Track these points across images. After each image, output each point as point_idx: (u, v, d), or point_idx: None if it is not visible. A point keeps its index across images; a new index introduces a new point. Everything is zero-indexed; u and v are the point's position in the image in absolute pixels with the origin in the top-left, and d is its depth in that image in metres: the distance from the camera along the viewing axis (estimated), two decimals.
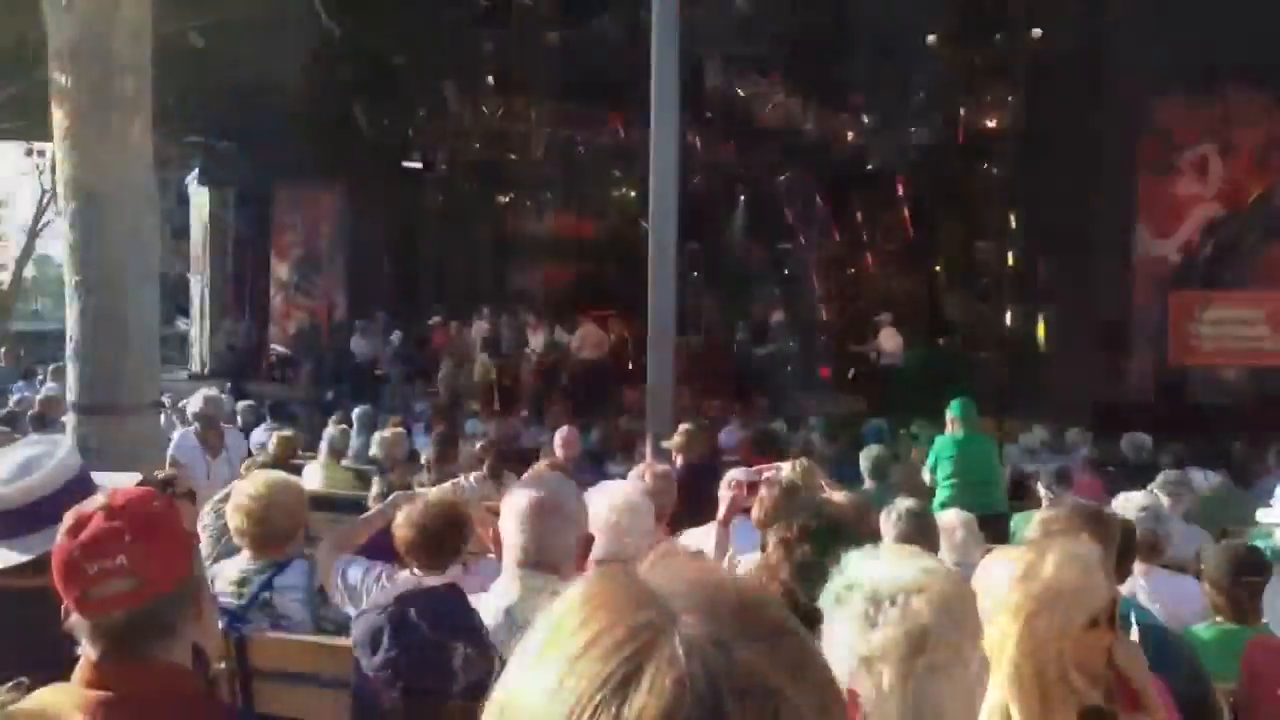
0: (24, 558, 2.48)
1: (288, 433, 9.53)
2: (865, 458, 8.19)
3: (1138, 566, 4.53)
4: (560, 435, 9.98)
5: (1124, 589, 4.18)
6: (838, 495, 3.93)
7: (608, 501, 3.62)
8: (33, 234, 38.32)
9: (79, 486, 2.58)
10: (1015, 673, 2.08)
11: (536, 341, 19.93)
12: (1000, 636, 2.10)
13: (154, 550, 1.95)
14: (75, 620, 1.92)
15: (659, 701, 0.77)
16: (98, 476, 2.72)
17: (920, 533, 4.12)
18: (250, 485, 4.16)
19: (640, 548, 3.71)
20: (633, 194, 23.62)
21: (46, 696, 1.90)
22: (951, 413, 8.84)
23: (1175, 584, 4.56)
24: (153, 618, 1.93)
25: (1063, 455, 10.53)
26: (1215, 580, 3.98)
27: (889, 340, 17.82)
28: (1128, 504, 4.62)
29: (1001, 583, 2.16)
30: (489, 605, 3.13)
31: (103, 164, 4.52)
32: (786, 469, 6.36)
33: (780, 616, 0.89)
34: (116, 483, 2.69)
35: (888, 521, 4.10)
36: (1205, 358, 15.98)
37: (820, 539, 2.91)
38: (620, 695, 0.78)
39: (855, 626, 1.69)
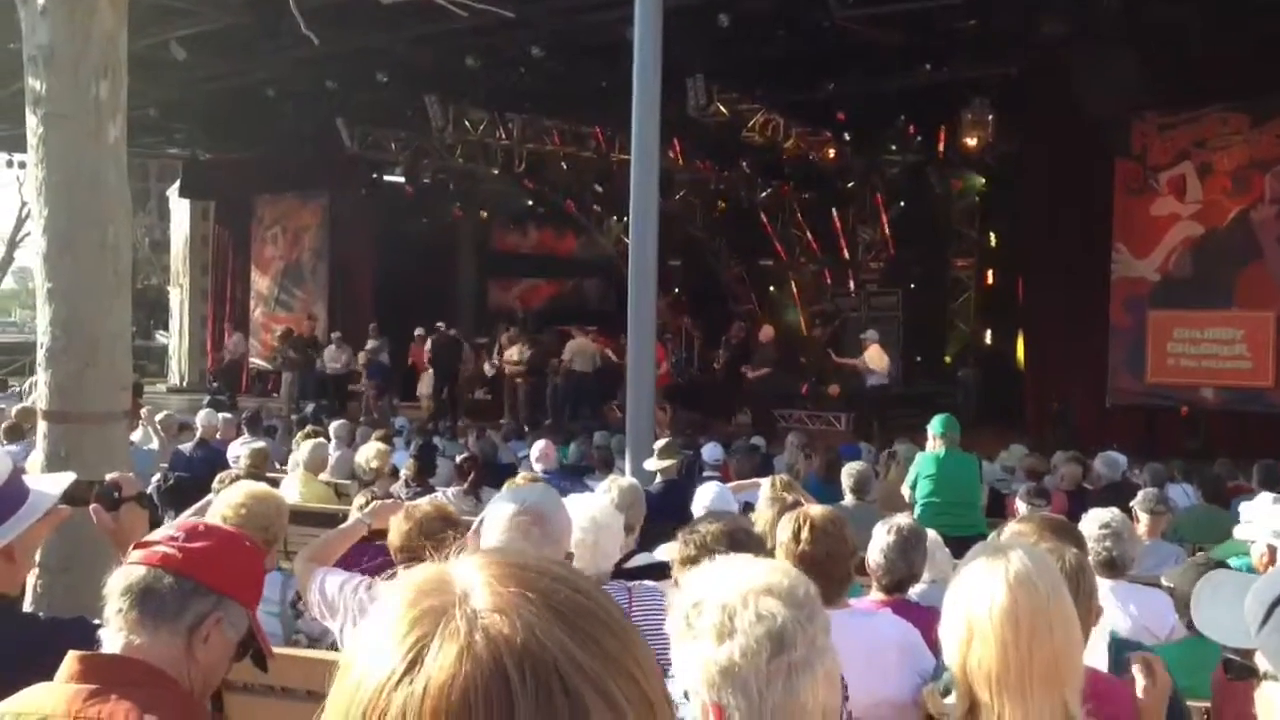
0: None
1: (260, 444, 9.47)
2: (847, 474, 8.17)
3: (1104, 581, 4.54)
4: (537, 448, 9.96)
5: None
6: (815, 509, 3.92)
7: (576, 517, 3.60)
8: (12, 244, 38.17)
9: (8, 494, 2.54)
10: (995, 674, 2.09)
11: (513, 354, 19.84)
12: (968, 635, 2.12)
13: (213, 553, 2.13)
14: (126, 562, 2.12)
15: (443, 674, 0.82)
16: (29, 480, 2.66)
17: (912, 548, 4.11)
18: (230, 495, 4.16)
19: (608, 563, 3.69)
20: (614, 211, 23.73)
21: (29, 695, 1.92)
22: (933, 429, 8.72)
23: (1143, 596, 4.57)
24: (172, 589, 2.05)
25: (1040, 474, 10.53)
26: (1184, 595, 3.99)
27: (876, 359, 17.14)
28: (1092, 521, 4.63)
29: (974, 584, 2.17)
30: None
31: (75, 169, 4.49)
32: (766, 485, 6.38)
33: (569, 583, 0.92)
34: (48, 486, 2.66)
35: (883, 535, 4.09)
36: (1184, 377, 16.03)
37: (716, 548, 2.90)
38: (409, 675, 0.83)
39: (712, 639, 1.66)
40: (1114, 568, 4.58)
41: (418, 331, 20.81)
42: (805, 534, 3.56)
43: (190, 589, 2.06)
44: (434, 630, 0.85)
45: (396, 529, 3.88)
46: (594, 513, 3.65)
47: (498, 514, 2.97)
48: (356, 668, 0.87)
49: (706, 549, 2.96)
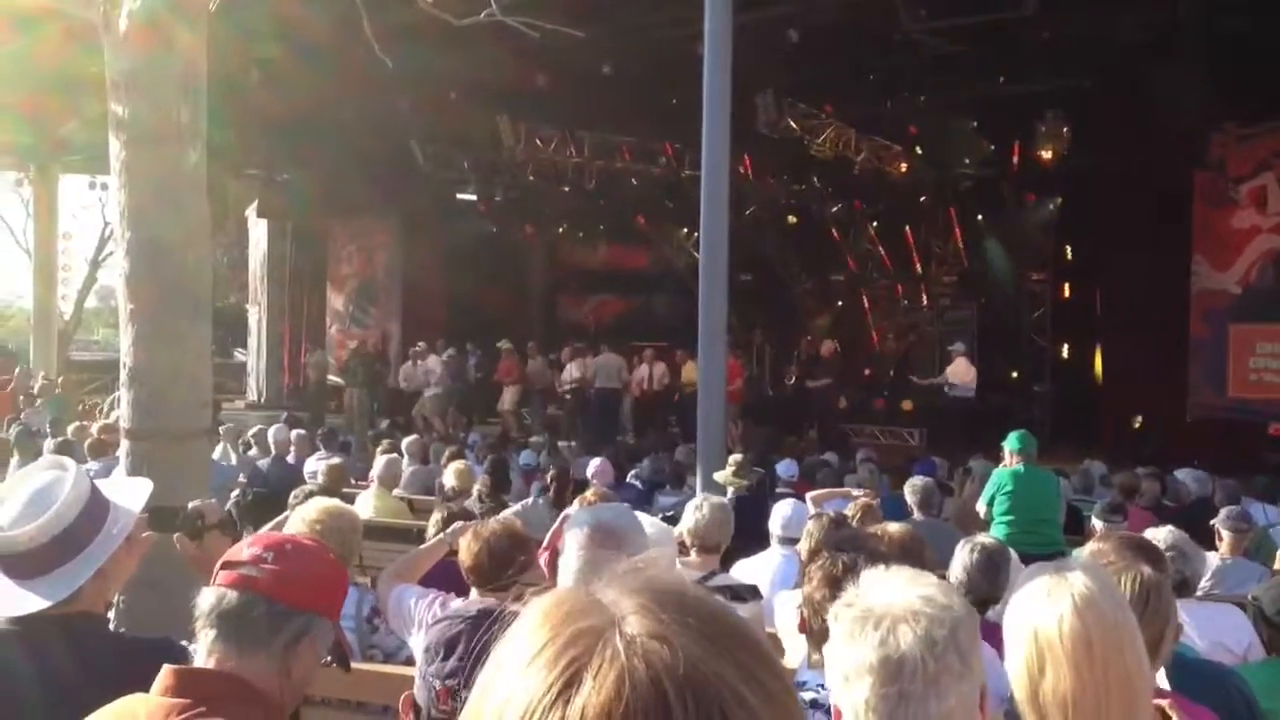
0: (45, 602, 2.43)
1: (338, 460, 9.58)
2: (910, 490, 8.07)
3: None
4: (594, 466, 9.98)
5: None
6: (894, 527, 3.92)
7: None
8: (95, 265, 38.92)
9: (92, 513, 2.56)
10: (1072, 699, 2.05)
11: (572, 371, 19.98)
12: (1039, 662, 2.09)
13: (302, 573, 2.13)
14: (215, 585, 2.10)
15: (600, 697, 0.81)
16: (108, 491, 2.67)
17: (997, 568, 4.06)
18: (306, 512, 4.20)
19: None
20: (684, 227, 23.74)
21: (123, 705, 1.96)
22: (1010, 446, 8.56)
23: (1217, 615, 4.48)
24: (265, 615, 2.05)
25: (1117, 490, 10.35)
26: (1268, 616, 3.90)
27: (961, 372, 16.94)
28: (1158, 543, 4.54)
29: (1038, 609, 2.13)
30: None
31: (157, 193, 4.59)
32: (850, 505, 6.39)
33: (727, 615, 0.91)
34: (128, 499, 2.69)
35: (965, 553, 4.05)
36: (1266, 392, 15.71)
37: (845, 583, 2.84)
38: (565, 696, 0.82)
39: (841, 643, 1.70)
40: (1185, 587, 4.50)
41: (505, 346, 20.84)
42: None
43: (282, 612, 2.06)
44: (591, 653, 0.83)
45: (466, 549, 3.89)
46: (651, 528, 3.64)
47: (575, 533, 2.97)
48: (499, 689, 0.86)
49: (837, 583, 2.88)
